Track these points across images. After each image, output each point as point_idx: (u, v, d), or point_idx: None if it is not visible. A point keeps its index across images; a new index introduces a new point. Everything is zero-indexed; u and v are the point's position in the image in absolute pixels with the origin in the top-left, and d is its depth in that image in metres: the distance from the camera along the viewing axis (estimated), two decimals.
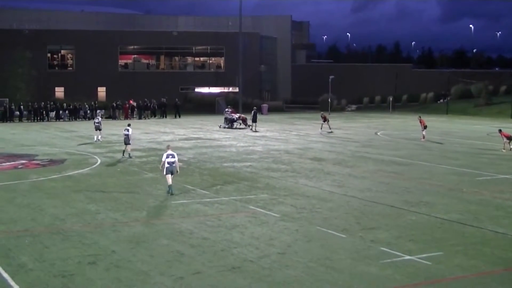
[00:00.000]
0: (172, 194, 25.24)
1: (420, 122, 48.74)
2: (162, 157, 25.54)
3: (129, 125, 38.28)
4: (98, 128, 45.66)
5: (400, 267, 15.85)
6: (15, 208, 22.71)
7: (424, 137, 47.43)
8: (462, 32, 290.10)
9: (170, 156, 25.21)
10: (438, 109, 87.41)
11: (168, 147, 26.21)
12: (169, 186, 25.46)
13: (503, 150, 40.75)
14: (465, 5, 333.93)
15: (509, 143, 40.91)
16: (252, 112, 58.04)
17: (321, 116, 57.04)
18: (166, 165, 25.09)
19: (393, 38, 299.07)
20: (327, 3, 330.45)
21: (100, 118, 47.62)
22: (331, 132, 54.17)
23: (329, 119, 56.98)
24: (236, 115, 62.19)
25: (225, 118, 61.47)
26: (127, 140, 36.72)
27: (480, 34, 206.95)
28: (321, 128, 55.87)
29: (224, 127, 59.66)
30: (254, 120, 57.28)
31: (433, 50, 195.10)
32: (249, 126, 58.67)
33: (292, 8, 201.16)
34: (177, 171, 25.51)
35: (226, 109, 63.49)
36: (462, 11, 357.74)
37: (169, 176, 25.25)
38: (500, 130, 42.51)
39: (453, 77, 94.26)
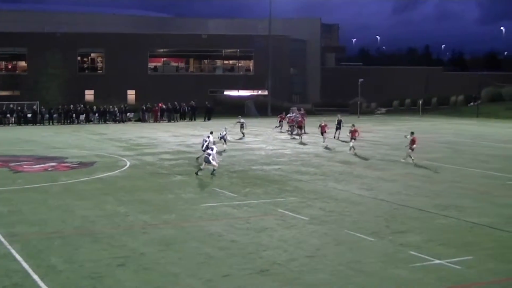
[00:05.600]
0: (213, 175, 30.11)
1: (353, 132, 41.07)
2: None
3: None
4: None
5: (430, 271, 15.71)
6: (46, 209, 22.95)
7: (353, 149, 40.81)
8: (501, 34, 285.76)
9: (210, 149, 29.92)
10: (468, 112, 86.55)
11: (211, 138, 32.54)
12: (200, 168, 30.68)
13: None
14: (505, 7, 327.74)
15: None
16: (337, 120, 51.15)
17: (320, 126, 47.74)
18: (204, 154, 30.39)
19: (431, 39, 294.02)
20: (368, 4, 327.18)
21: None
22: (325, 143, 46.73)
23: (327, 131, 47.85)
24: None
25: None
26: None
27: None
28: (323, 140, 47.17)
29: (291, 134, 53.84)
30: (339, 127, 50.48)
31: (464, 53, 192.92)
32: (300, 135, 51.41)
33: (331, 10, 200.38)
34: (213, 162, 30.10)
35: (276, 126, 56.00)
36: (502, 13, 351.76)
37: (204, 164, 30.43)
38: None
39: (484, 80, 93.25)
